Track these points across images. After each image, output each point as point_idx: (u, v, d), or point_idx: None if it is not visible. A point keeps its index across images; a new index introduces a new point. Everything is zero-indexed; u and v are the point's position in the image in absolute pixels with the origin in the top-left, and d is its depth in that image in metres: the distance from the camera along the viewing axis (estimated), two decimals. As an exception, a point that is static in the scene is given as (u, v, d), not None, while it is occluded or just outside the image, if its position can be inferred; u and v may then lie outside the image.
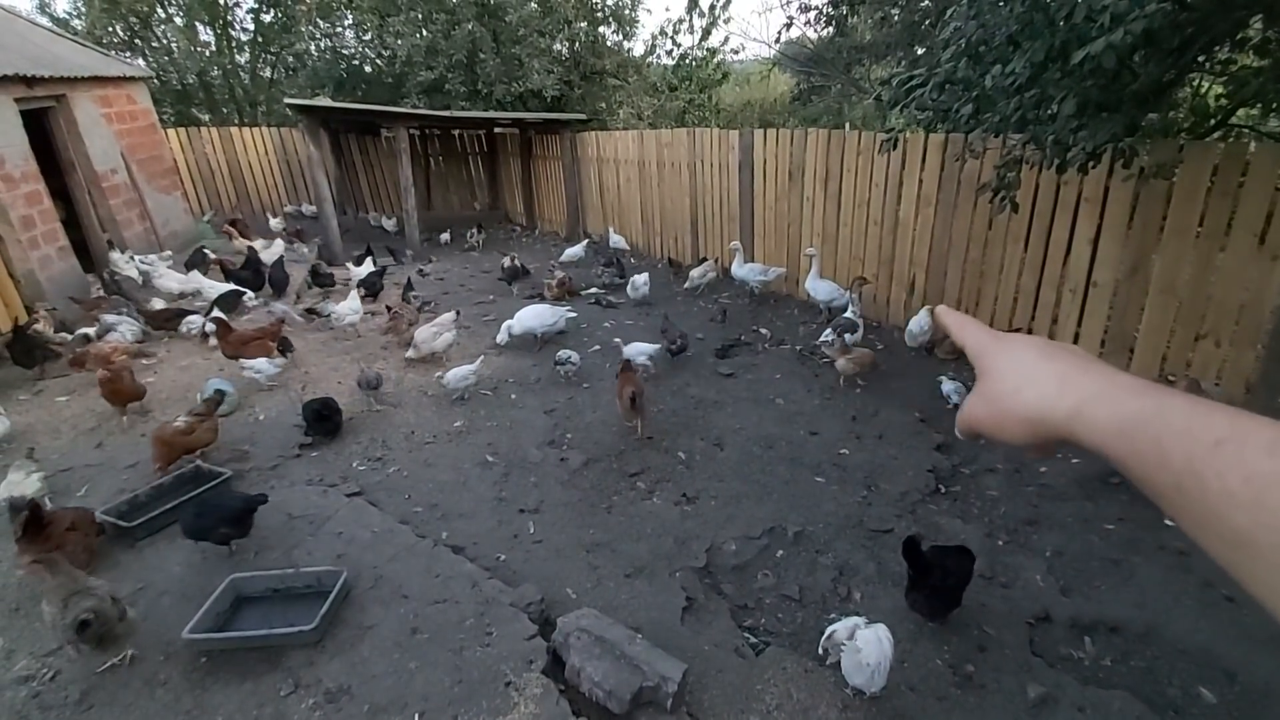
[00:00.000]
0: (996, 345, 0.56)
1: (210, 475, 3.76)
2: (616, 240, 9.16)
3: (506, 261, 7.91)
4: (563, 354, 5.15)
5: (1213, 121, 5.07)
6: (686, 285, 7.28)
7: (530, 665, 2.54)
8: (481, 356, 4.92)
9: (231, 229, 9.32)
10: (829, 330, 5.36)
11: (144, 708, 2.43)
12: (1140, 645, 2.70)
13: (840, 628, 2.45)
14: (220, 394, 4.32)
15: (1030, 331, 4.86)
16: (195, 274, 7.36)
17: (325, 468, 4.06)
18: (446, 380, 4.79)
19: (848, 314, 5.39)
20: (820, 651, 2.55)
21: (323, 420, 4.30)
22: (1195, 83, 5.26)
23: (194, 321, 6.14)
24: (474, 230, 10.42)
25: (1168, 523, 3.17)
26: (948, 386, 4.54)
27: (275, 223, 10.16)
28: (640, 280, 6.97)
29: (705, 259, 7.55)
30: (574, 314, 6.21)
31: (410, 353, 5.55)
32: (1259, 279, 3.71)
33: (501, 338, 5.80)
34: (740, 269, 6.82)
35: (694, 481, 3.87)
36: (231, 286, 6.98)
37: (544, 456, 4.16)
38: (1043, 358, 0.52)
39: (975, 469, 3.93)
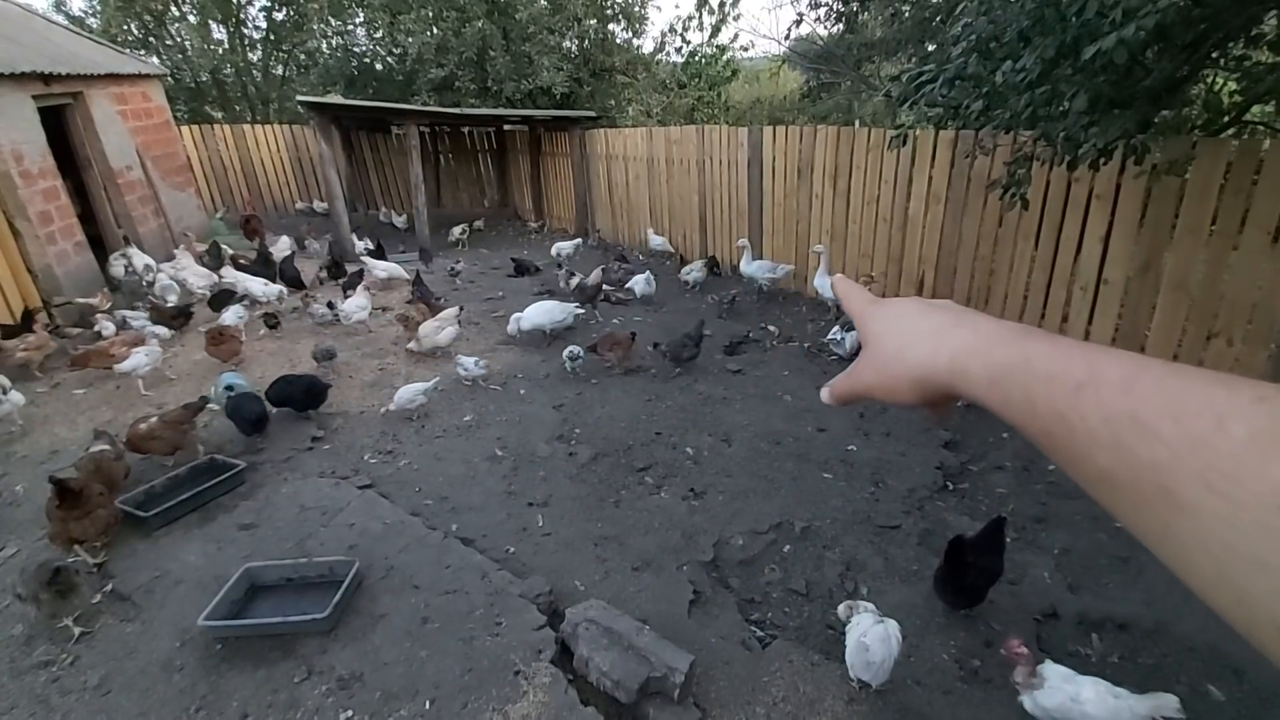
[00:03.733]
0: (875, 309, 0.56)
1: (226, 467, 3.82)
2: (657, 241, 8.78)
3: (591, 279, 6.82)
4: (572, 349, 5.17)
5: (1226, 118, 5.02)
6: (682, 277, 7.43)
7: (539, 655, 2.57)
8: (437, 377, 4.84)
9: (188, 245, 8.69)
10: (837, 327, 5.37)
11: (160, 693, 2.48)
12: (1148, 642, 2.70)
13: (855, 621, 2.46)
14: (204, 399, 4.26)
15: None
16: (229, 270, 7.40)
17: (337, 460, 4.11)
18: (396, 400, 4.47)
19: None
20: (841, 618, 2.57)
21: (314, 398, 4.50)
22: (1209, 79, 5.21)
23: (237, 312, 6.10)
24: (464, 227, 10.27)
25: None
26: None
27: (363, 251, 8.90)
28: (641, 278, 7.00)
29: (710, 256, 7.60)
30: (582, 310, 6.23)
31: (412, 345, 5.60)
32: (1272, 277, 3.68)
33: (511, 329, 5.85)
34: (749, 266, 6.82)
35: (702, 477, 3.89)
36: (246, 280, 7.05)
37: (553, 451, 4.19)
38: (918, 316, 0.52)
39: (983, 466, 3.93)
